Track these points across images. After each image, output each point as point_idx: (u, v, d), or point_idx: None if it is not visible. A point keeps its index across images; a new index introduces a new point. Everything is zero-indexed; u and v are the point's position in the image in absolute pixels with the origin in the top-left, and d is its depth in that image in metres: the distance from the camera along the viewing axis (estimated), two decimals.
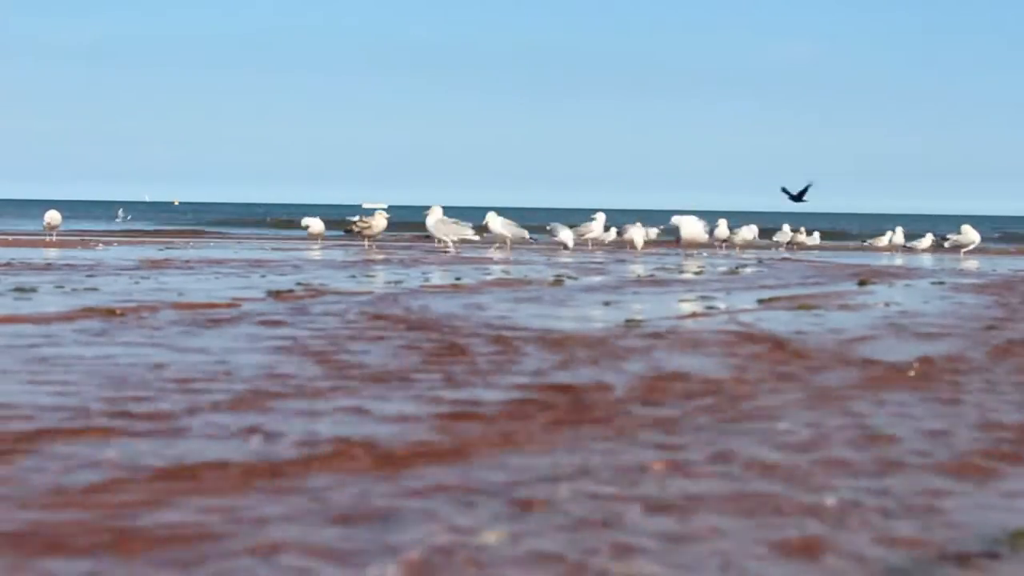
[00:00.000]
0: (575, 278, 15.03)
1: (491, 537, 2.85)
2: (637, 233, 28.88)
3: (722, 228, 31.47)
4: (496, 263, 19.84)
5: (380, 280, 13.83)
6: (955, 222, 34.48)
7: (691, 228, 26.55)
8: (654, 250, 30.20)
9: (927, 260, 26.86)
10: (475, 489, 3.34)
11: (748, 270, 18.74)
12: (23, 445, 3.86)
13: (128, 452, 3.79)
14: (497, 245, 28.52)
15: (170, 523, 2.97)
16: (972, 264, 24.40)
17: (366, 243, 29.30)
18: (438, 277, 14.70)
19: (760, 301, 11.20)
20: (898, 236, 35.55)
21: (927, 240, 35.01)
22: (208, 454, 3.76)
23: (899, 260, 26.41)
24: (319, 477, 3.49)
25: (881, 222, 47.65)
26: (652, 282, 14.70)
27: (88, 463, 3.62)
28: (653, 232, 31.48)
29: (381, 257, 21.95)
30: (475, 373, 5.75)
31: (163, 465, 3.60)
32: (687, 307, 10.45)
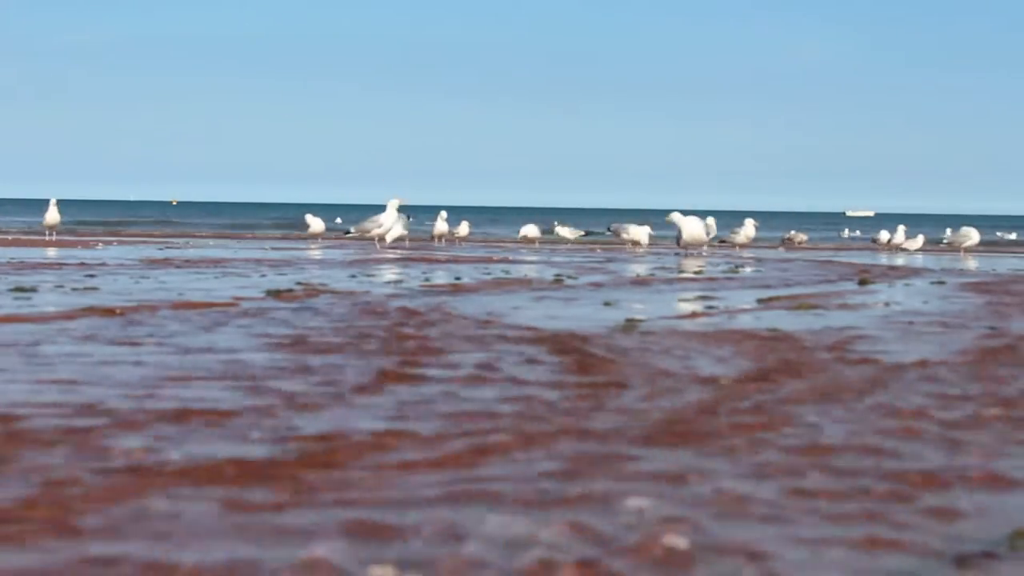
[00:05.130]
0: (575, 278, 15.04)
1: None
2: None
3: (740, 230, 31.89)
4: (495, 262, 19.85)
5: (380, 279, 13.83)
6: (964, 222, 34.53)
7: (692, 229, 26.71)
8: (654, 250, 30.20)
9: (927, 260, 26.85)
10: None
11: (747, 270, 18.74)
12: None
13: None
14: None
15: None
16: (972, 263, 24.41)
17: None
18: (437, 277, 14.71)
19: (760, 300, 11.21)
20: (898, 236, 35.73)
21: (919, 240, 35.38)
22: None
23: (899, 259, 26.41)
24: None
25: (887, 222, 47.33)
26: (652, 281, 14.70)
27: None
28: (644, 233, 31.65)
29: (380, 257, 21.96)
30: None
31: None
32: (687, 306, 10.44)
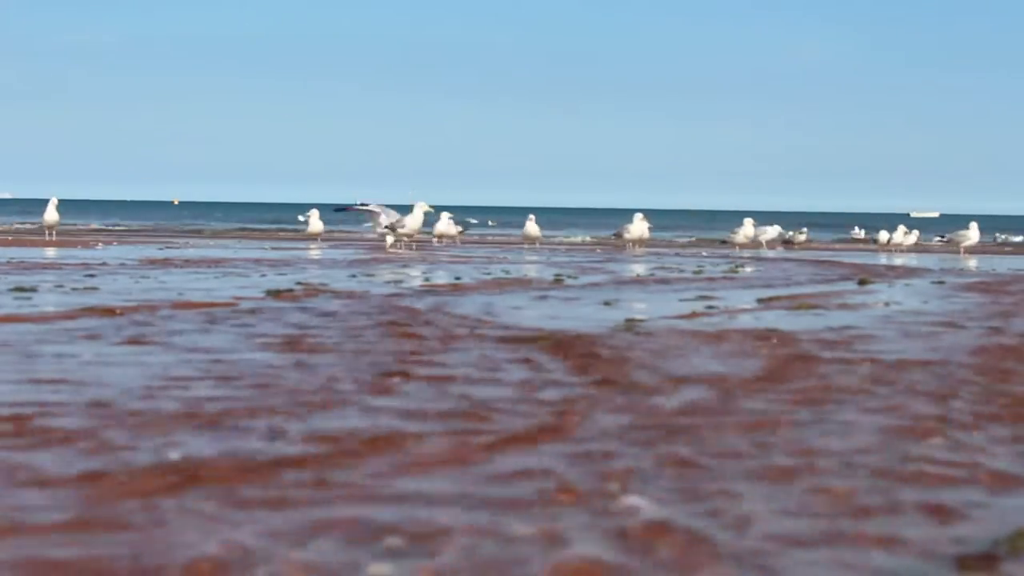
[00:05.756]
0: (575, 277, 15.04)
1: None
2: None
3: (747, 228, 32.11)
4: (495, 262, 19.84)
5: (380, 279, 13.82)
6: (964, 221, 34.47)
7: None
8: (653, 250, 30.20)
9: (927, 260, 26.84)
10: None
11: (747, 269, 18.75)
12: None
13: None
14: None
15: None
16: (972, 263, 24.40)
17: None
18: (437, 276, 14.70)
19: (760, 300, 11.20)
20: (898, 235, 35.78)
21: (912, 237, 35.53)
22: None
23: (899, 260, 26.41)
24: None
25: (890, 221, 46.91)
26: (652, 281, 14.70)
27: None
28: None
29: (380, 257, 21.96)
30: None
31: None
32: (687, 306, 10.43)
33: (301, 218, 35.48)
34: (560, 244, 35.42)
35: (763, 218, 37.13)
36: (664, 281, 14.78)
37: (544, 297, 11.31)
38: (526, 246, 31.43)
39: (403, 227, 27.60)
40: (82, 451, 3.80)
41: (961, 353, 6.93)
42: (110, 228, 45.07)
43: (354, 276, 14.42)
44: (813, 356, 6.62)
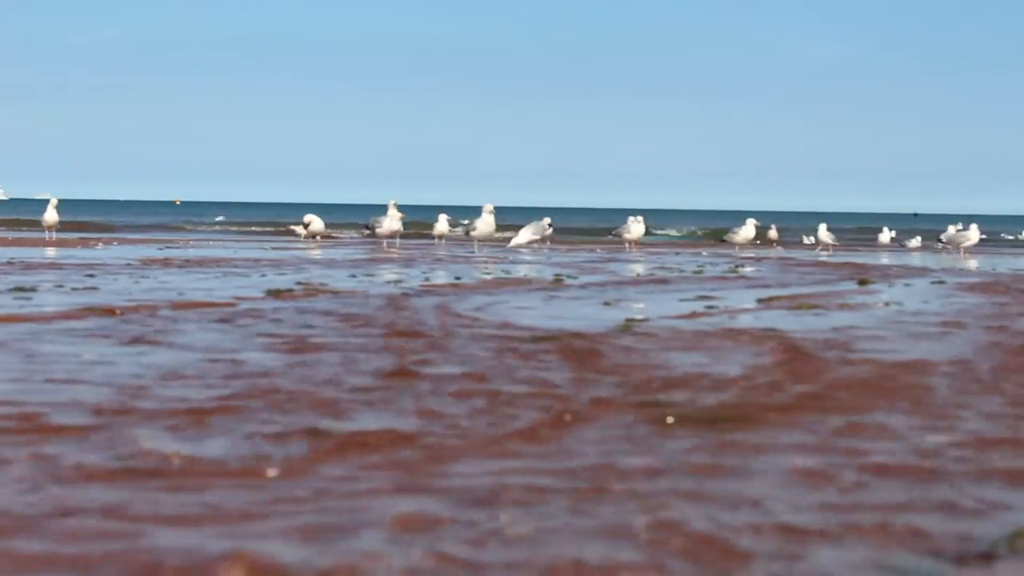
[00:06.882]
0: (575, 277, 15.04)
1: None
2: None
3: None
4: (495, 262, 19.85)
5: (380, 279, 13.82)
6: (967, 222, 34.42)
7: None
8: (653, 250, 30.21)
9: (927, 260, 26.85)
10: None
11: (747, 269, 18.75)
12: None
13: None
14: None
15: None
16: (972, 263, 24.41)
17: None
18: (437, 276, 14.71)
19: (760, 300, 11.20)
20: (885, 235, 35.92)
21: (916, 240, 35.56)
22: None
23: (900, 260, 26.41)
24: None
25: (895, 221, 46.81)
26: (652, 281, 14.70)
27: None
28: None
29: (379, 256, 21.98)
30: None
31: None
32: (687, 306, 10.42)
33: (300, 230, 34.95)
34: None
35: (763, 218, 37.09)
36: (664, 281, 14.78)
37: (545, 297, 11.31)
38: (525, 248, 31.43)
39: (380, 227, 28.19)
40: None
41: (962, 352, 6.93)
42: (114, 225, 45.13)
43: (354, 276, 14.42)
44: (813, 355, 6.62)
